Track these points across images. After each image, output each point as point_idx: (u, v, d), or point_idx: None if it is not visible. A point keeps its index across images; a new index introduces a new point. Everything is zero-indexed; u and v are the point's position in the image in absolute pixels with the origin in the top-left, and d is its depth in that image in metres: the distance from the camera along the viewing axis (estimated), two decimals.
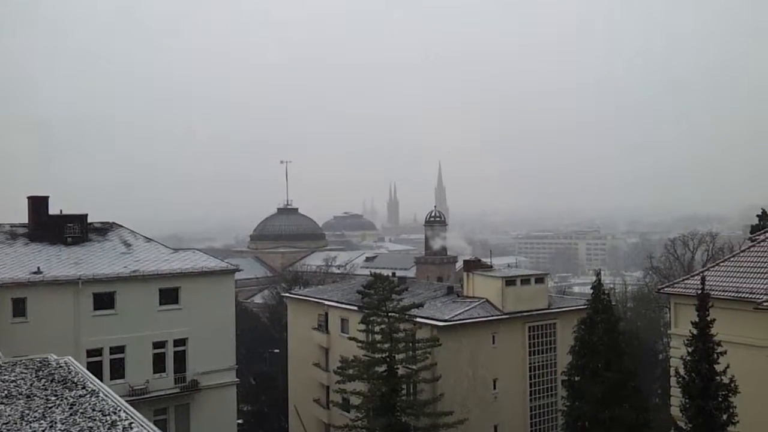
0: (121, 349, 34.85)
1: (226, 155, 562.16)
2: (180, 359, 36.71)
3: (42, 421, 11.24)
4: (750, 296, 28.00)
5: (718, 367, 23.51)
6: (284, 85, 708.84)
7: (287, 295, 57.82)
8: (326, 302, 47.77)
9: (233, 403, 39.33)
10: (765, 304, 26.87)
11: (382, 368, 34.75)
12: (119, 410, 11.83)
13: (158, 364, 36.08)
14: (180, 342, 36.65)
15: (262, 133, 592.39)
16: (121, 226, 40.49)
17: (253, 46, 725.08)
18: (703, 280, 25.40)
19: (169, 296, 36.66)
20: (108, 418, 11.44)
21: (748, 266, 30.70)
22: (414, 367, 35.51)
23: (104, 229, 39.50)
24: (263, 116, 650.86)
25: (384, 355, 34.72)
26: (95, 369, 32.03)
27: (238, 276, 42.90)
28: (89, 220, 39.01)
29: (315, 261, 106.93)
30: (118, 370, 34.74)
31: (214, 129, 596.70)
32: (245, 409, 54.84)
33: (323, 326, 47.84)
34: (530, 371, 41.42)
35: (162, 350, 36.24)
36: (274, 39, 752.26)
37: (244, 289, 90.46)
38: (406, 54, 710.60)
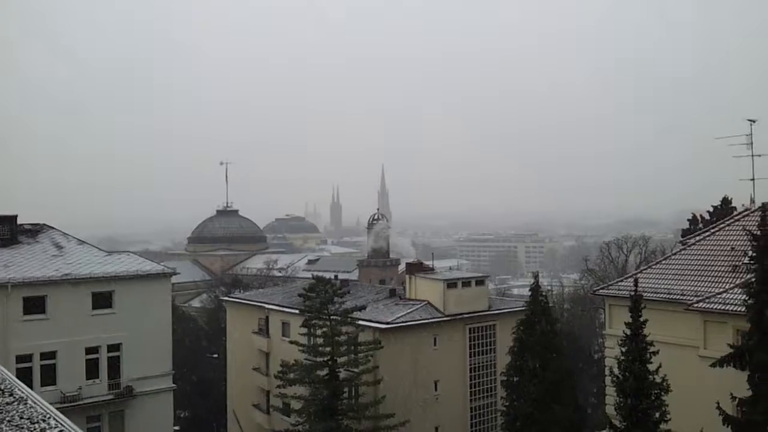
0: (52, 354, 33.68)
1: (162, 155, 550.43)
2: (114, 365, 35.73)
3: None
4: (681, 297, 28.93)
5: (651, 367, 24.17)
6: (224, 82, 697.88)
7: (226, 299, 56.99)
8: (267, 306, 47.26)
9: (170, 410, 38.53)
10: (695, 305, 27.80)
11: (323, 372, 34.59)
12: (48, 418, 11.38)
13: (91, 370, 35.04)
14: (114, 347, 35.67)
15: (202, 132, 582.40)
16: (53, 228, 39.16)
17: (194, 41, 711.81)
18: (636, 282, 26.07)
19: (103, 300, 35.65)
20: (36, 426, 10.98)
21: (679, 269, 31.73)
22: (356, 370, 35.46)
23: (35, 231, 38.12)
24: (204, 114, 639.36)
25: (326, 359, 34.56)
26: (25, 375, 30.93)
27: (175, 279, 42.08)
28: (19, 222, 37.58)
29: (256, 264, 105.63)
30: (49, 376, 33.56)
31: (152, 127, 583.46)
32: (182, 415, 53.78)
33: (264, 330, 47.31)
34: (471, 372, 41.87)
35: (95, 356, 35.21)
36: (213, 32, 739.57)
37: (181, 293, 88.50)
38: (355, 56, 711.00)
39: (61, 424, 11.22)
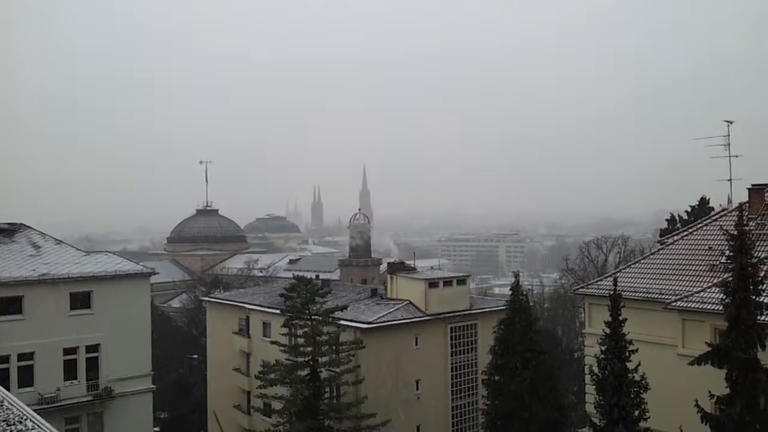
0: (29, 355, 33.33)
1: (141, 153, 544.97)
2: (93, 366, 35.46)
3: None
4: (659, 296, 29.19)
5: (630, 365, 24.33)
6: (208, 81, 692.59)
7: (206, 299, 56.61)
8: (248, 306, 47.03)
9: (149, 411, 38.27)
10: (674, 304, 28.08)
11: (304, 372, 34.49)
12: (25, 419, 11.25)
13: (70, 371, 34.75)
14: (92, 348, 35.41)
15: (182, 131, 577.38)
16: (30, 228, 38.70)
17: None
18: (615, 281, 26.20)
19: (81, 300, 35.38)
20: (13, 427, 10.86)
21: (658, 268, 32.01)
22: (337, 370, 35.39)
23: (11, 231, 37.65)
24: (187, 112, 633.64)
25: (307, 359, 34.47)
26: (1, 377, 30.68)
27: (154, 279, 41.82)
28: None
29: (236, 264, 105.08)
30: (26, 377, 33.22)
31: (131, 125, 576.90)
32: (162, 416, 53.29)
33: (244, 330, 47.08)
34: (452, 371, 41.98)
35: (73, 357, 34.90)
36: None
37: (160, 293, 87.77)
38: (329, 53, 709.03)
39: (38, 425, 11.10)
